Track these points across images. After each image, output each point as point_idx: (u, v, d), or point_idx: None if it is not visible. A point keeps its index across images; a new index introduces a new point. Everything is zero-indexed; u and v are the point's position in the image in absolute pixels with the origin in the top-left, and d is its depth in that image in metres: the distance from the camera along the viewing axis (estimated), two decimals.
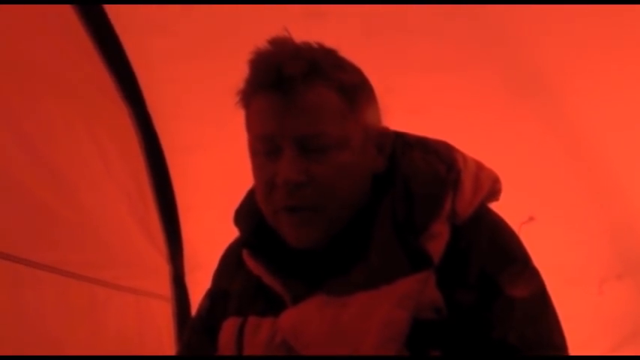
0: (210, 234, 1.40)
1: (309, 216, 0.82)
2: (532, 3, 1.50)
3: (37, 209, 1.56)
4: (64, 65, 1.69)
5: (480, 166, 0.90)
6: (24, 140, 1.54)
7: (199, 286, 1.14)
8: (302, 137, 0.81)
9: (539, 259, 0.88)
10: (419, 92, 1.71)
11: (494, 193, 0.90)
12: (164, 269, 2.09)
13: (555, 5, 1.48)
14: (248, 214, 0.95)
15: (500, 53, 1.64)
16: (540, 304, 0.82)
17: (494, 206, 0.92)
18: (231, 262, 1.01)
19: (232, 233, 1.01)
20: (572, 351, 0.83)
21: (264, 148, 0.84)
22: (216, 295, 1.02)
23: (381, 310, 0.77)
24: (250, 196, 0.97)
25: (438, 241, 0.81)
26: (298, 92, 0.80)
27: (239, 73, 0.87)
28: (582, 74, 1.62)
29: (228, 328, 0.91)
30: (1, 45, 1.47)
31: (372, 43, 1.61)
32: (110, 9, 1.72)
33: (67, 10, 1.68)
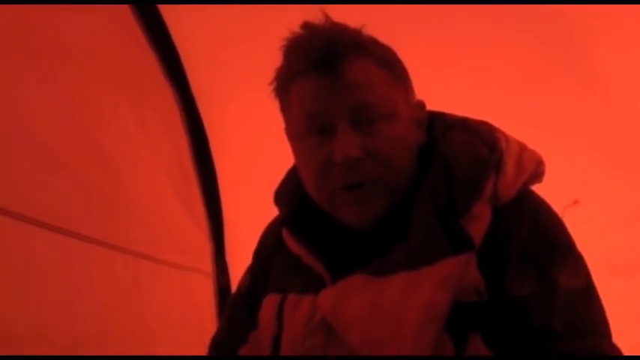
0: (251, 212, 1.42)
1: (370, 190, 0.83)
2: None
3: (84, 186, 1.61)
4: (112, 48, 1.72)
5: (523, 147, 0.88)
6: (73, 121, 1.59)
7: (240, 262, 1.16)
8: (355, 108, 0.82)
9: (584, 245, 0.86)
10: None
11: (537, 175, 0.88)
12: (206, 246, 2.14)
13: None
14: (288, 194, 0.97)
15: (541, 27, 1.59)
16: (584, 291, 0.80)
17: (537, 188, 0.90)
18: (271, 240, 1.02)
19: (272, 211, 1.02)
20: (618, 337, 0.81)
21: (315, 128, 0.84)
22: (257, 272, 1.04)
23: (422, 292, 0.77)
24: (290, 176, 0.99)
25: (479, 223, 0.80)
26: (345, 68, 0.81)
27: (278, 52, 0.87)
28: (632, 56, 1.56)
29: (269, 304, 0.93)
30: (50, 29, 1.51)
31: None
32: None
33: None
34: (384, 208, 0.84)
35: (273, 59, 0.89)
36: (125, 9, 1.77)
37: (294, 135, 0.88)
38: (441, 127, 0.90)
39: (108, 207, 1.68)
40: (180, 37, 1.86)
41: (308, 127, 0.85)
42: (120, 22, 1.77)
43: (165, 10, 1.79)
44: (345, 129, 0.81)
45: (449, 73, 1.58)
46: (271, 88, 0.89)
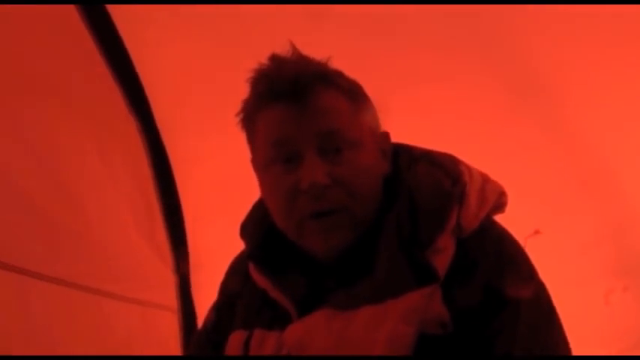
0: (217, 244, 1.41)
1: (337, 218, 0.83)
2: (531, 3, 1.51)
3: (42, 221, 1.56)
4: (71, 78, 1.69)
5: (485, 179, 0.90)
6: (30, 152, 1.55)
7: (205, 297, 1.14)
8: (322, 135, 0.83)
9: (545, 271, 0.88)
10: (419, 93, 1.71)
11: (499, 206, 0.91)
12: (170, 280, 2.09)
13: (553, 5, 1.49)
14: (254, 227, 0.96)
15: (500, 59, 1.65)
16: (546, 315, 0.82)
17: (499, 218, 0.92)
18: (237, 275, 1.01)
19: (238, 244, 1.01)
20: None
21: (282, 156, 0.84)
22: (223, 308, 1.02)
23: (387, 325, 0.77)
24: (255, 209, 0.98)
25: (443, 255, 0.81)
26: (312, 97, 0.83)
27: (244, 83, 0.88)
28: (582, 79, 1.62)
29: (234, 341, 0.92)
30: (10, 59, 1.48)
31: (372, 44, 1.61)
32: (118, 19, 1.73)
33: (75, 21, 1.69)
34: (350, 238, 0.84)
35: (239, 91, 0.90)
36: (89, 41, 1.75)
37: (261, 164, 0.89)
38: (406, 160, 0.91)
39: (68, 243, 1.63)
40: (144, 70, 1.85)
41: (274, 155, 0.85)
42: (82, 54, 1.75)
43: (129, 41, 1.78)
44: (312, 156, 0.82)
45: (405, 94, 1.61)
46: (238, 119, 0.90)
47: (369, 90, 0.92)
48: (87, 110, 1.76)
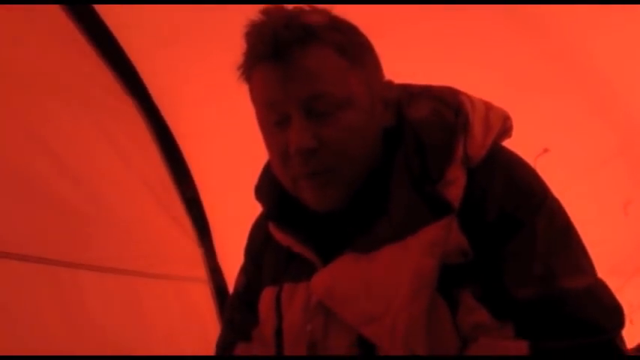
0: (235, 211, 1.42)
1: (326, 178, 0.83)
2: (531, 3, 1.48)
3: (65, 213, 1.60)
4: (65, 70, 1.70)
5: (488, 106, 0.90)
6: (46, 151, 1.58)
7: (233, 263, 1.17)
8: (306, 100, 0.81)
9: (560, 189, 0.88)
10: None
11: (505, 131, 0.90)
12: (196, 252, 2.14)
13: None
14: (268, 188, 0.97)
15: (500, 60, 1.61)
16: (563, 232, 0.82)
17: (507, 143, 0.92)
18: (259, 235, 1.03)
19: (256, 207, 1.02)
20: (604, 275, 0.83)
21: (273, 118, 0.84)
22: (250, 269, 1.05)
23: (410, 261, 0.79)
24: (267, 169, 0.99)
25: (455, 186, 0.81)
26: (296, 57, 0.81)
27: (238, 50, 0.87)
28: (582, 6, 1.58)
29: (266, 297, 0.95)
30: (10, 60, 1.49)
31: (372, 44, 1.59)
32: (102, 8, 1.72)
33: (60, 15, 1.68)
34: (340, 195, 0.84)
35: (233, 54, 0.88)
36: (74, 30, 1.74)
37: (259, 123, 0.89)
38: (406, 98, 0.91)
39: (92, 230, 1.67)
40: (132, 48, 1.84)
41: (267, 116, 0.85)
42: (67, 42, 1.74)
43: (113, 25, 1.77)
44: (299, 119, 0.81)
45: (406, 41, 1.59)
46: (238, 74, 0.88)
47: None
48: (86, 100, 1.78)
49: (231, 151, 1.92)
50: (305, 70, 0.81)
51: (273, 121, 0.84)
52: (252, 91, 0.88)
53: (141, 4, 1.65)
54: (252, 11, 0.84)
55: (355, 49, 0.85)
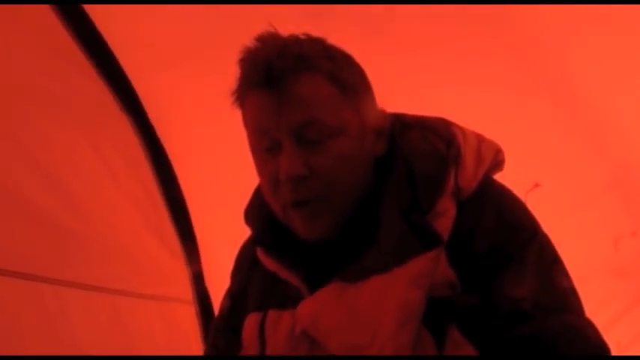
0: (224, 233, 1.42)
1: (316, 207, 0.83)
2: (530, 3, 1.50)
3: (50, 228, 1.58)
4: (60, 84, 1.69)
5: (480, 139, 0.90)
6: (32, 164, 1.56)
7: (219, 285, 1.16)
8: (297, 127, 0.82)
9: (551, 224, 0.88)
10: (419, 92, 1.70)
11: (497, 164, 0.91)
12: (183, 273, 2.11)
13: None
14: (257, 212, 0.97)
15: (497, 24, 1.63)
16: (552, 269, 0.82)
17: (498, 176, 0.92)
18: (246, 260, 1.02)
19: (245, 230, 1.02)
20: (589, 311, 0.83)
21: (264, 145, 0.85)
22: (236, 294, 1.04)
23: (396, 292, 0.78)
24: (257, 193, 0.99)
25: (445, 218, 0.82)
26: (289, 86, 0.81)
27: (235, 72, 0.87)
28: (579, 31, 1.61)
29: (250, 323, 0.93)
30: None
31: (372, 44, 1.60)
32: (100, 22, 1.72)
33: (57, 26, 1.68)
34: (330, 224, 0.84)
35: (230, 74, 0.89)
36: (73, 45, 1.74)
37: (251, 149, 0.89)
38: (399, 128, 0.91)
39: (78, 247, 1.65)
40: (129, 64, 1.84)
41: (258, 142, 0.86)
42: (65, 55, 1.74)
43: (113, 41, 1.78)
44: (290, 146, 0.82)
45: (404, 94, 1.60)
46: (232, 99, 0.89)
47: None
48: (79, 115, 1.77)
49: (223, 173, 1.92)
50: (297, 97, 0.82)
51: (265, 147, 0.85)
52: (244, 116, 0.88)
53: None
54: (249, 38, 0.85)
55: (348, 78, 0.86)
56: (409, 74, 1.67)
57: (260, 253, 0.95)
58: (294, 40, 0.85)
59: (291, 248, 0.90)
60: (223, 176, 1.92)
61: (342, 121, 0.83)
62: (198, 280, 2.12)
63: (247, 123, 0.87)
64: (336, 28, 1.53)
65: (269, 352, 0.89)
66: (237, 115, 0.91)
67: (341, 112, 0.84)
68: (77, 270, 1.63)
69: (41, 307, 1.49)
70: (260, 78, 0.82)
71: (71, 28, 1.71)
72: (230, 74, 0.88)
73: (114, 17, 1.71)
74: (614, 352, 0.80)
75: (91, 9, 1.70)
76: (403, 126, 0.91)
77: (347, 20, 1.56)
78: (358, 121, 0.86)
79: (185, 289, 2.11)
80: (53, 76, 1.67)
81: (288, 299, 0.88)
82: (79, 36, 1.73)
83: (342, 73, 0.85)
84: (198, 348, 2.02)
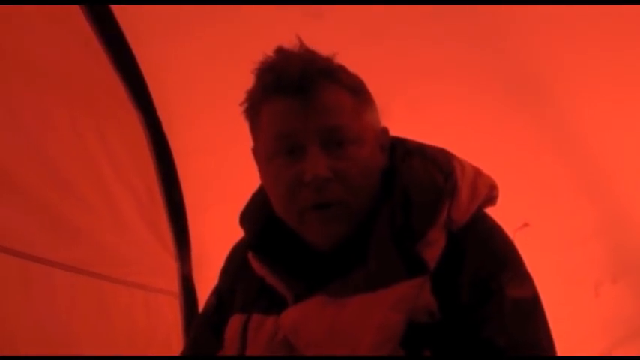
0: (217, 233, 1.44)
1: (336, 212, 0.86)
2: (532, 3, 1.52)
3: (47, 211, 1.59)
4: (74, 71, 1.70)
5: (477, 173, 0.93)
6: (33, 145, 1.57)
7: (206, 282, 1.17)
8: (325, 131, 0.85)
9: (535, 264, 0.90)
10: (419, 92, 1.72)
11: (490, 199, 0.93)
12: (172, 267, 2.12)
13: (550, 5, 1.50)
14: (254, 216, 0.99)
15: (497, 58, 1.66)
16: (530, 307, 0.84)
17: (490, 211, 0.94)
18: (236, 261, 1.04)
19: (238, 232, 1.04)
20: (569, 352, 0.85)
21: (285, 148, 0.87)
22: (223, 293, 1.06)
23: (378, 313, 0.80)
24: (255, 198, 1.01)
25: (433, 247, 0.84)
26: (317, 92, 0.85)
27: (244, 76, 0.90)
28: (575, 76, 1.64)
29: (233, 324, 0.95)
30: (14, 51, 1.51)
31: (372, 44, 1.63)
32: (120, 14, 1.75)
33: (78, 15, 1.70)
34: (347, 229, 0.87)
35: (238, 85, 0.92)
36: (89, 32, 1.76)
37: (263, 155, 0.91)
38: (401, 153, 0.94)
39: (71, 231, 1.66)
40: (146, 63, 1.86)
41: (278, 147, 0.87)
42: (84, 44, 1.75)
43: (131, 35, 1.80)
44: (315, 150, 0.84)
45: (404, 94, 1.62)
46: (242, 109, 0.92)
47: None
48: (89, 103, 1.78)
49: (223, 173, 1.93)
50: (325, 103, 0.86)
51: (285, 151, 0.87)
52: (260, 123, 0.90)
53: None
54: (249, 38, 0.87)
55: (363, 92, 0.91)
56: (409, 75, 1.69)
57: (251, 257, 0.97)
58: (317, 54, 0.89)
59: (283, 256, 0.92)
60: (223, 177, 1.94)
61: (362, 129, 0.88)
62: (186, 275, 2.13)
63: (265, 128, 0.89)
64: (336, 28, 1.56)
65: (249, 354, 0.90)
66: (242, 119, 0.93)
67: (360, 122, 0.88)
68: (67, 253, 1.64)
69: (28, 285, 1.50)
70: (289, 83, 0.85)
71: (96, 25, 1.74)
72: (241, 80, 0.91)
73: (137, 16, 1.73)
74: None
75: (116, 8, 1.72)
76: (405, 152, 0.94)
77: (347, 20, 1.59)
78: (372, 133, 0.90)
79: (172, 282, 2.11)
80: (70, 64, 1.68)
81: (273, 305, 0.90)
82: (99, 29, 1.75)
83: (359, 88, 0.90)
84: (177, 339, 2.03)
